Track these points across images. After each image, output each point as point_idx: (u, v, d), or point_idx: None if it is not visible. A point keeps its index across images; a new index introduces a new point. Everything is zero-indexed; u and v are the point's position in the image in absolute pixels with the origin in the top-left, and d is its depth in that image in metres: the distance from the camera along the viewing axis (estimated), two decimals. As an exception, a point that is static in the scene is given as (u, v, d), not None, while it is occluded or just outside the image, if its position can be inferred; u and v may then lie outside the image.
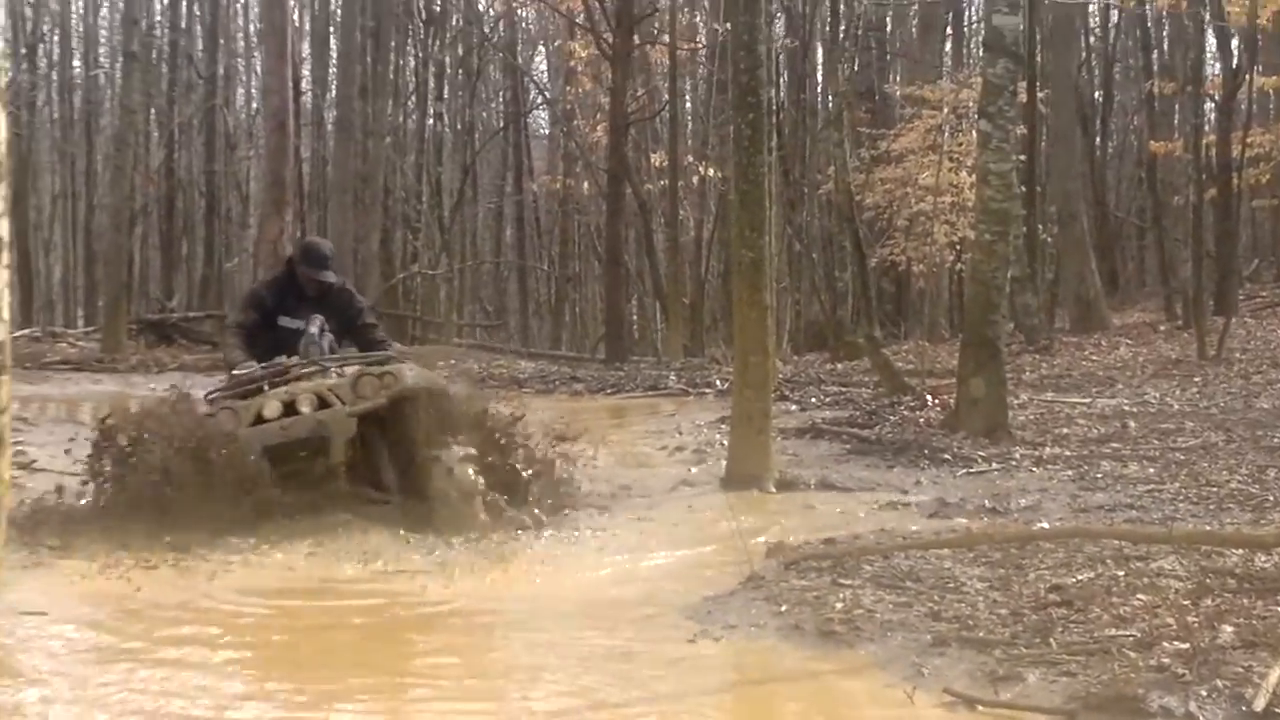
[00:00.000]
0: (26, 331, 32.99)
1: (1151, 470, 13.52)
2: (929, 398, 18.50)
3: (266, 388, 11.14)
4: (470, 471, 11.00)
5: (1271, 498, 11.83)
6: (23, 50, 46.76)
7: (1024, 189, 23.85)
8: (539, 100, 50.24)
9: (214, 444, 10.69)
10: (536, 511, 11.33)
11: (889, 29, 44.71)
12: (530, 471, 11.70)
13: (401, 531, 10.58)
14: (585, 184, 42.58)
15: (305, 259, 12.14)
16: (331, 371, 11.26)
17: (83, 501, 11.06)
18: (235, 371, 11.45)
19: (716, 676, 7.66)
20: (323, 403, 10.95)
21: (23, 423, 15.86)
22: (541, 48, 53.03)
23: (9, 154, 3.68)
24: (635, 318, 44.54)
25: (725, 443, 14.62)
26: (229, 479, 10.63)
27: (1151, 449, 14.70)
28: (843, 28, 36.98)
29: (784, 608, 8.60)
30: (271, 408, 10.90)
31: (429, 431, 11.14)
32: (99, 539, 10.27)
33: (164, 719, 6.71)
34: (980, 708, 6.78)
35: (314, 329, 11.72)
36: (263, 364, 11.42)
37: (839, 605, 8.51)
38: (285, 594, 9.41)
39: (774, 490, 13.15)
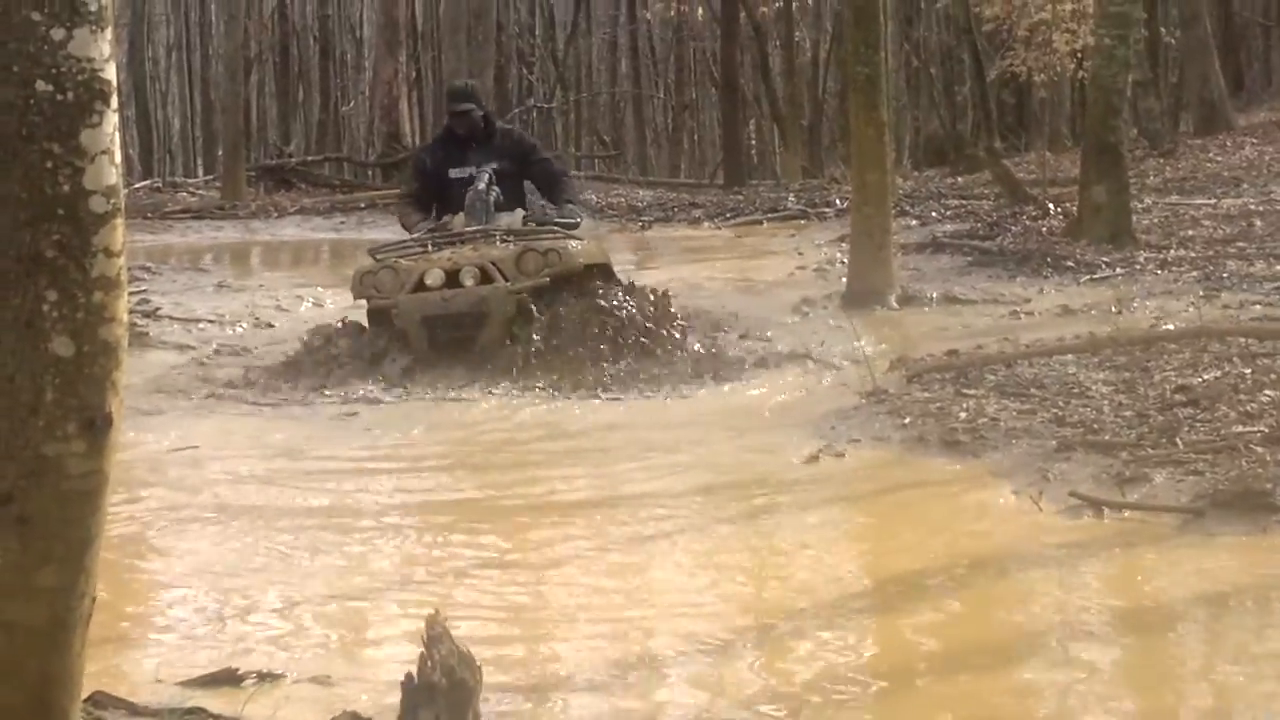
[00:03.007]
0: (147, 182, 33.10)
1: (1279, 267, 13.34)
2: (1051, 206, 18.24)
3: (431, 248, 11.18)
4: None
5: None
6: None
7: (1144, -9, 23.37)
8: (652, -74, 49.75)
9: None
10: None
11: None
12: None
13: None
14: (699, 10, 42.08)
15: (446, 100, 12.16)
16: (497, 239, 11.16)
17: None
18: (412, 235, 11.59)
19: (842, 489, 7.70)
20: (485, 276, 10.88)
21: (146, 271, 16.03)
22: None
23: (124, 3, 3.68)
24: (753, 142, 44.18)
25: (846, 261, 14.53)
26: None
27: (1278, 246, 14.48)
28: None
29: (907, 420, 8.61)
30: (434, 276, 10.90)
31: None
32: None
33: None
34: (1107, 510, 6.79)
35: (481, 185, 11.44)
36: (430, 227, 11.51)
37: (963, 415, 8.52)
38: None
39: (895, 305, 13.10)
